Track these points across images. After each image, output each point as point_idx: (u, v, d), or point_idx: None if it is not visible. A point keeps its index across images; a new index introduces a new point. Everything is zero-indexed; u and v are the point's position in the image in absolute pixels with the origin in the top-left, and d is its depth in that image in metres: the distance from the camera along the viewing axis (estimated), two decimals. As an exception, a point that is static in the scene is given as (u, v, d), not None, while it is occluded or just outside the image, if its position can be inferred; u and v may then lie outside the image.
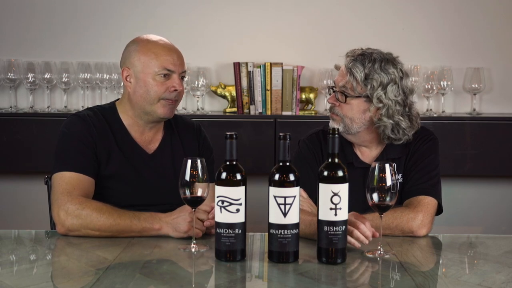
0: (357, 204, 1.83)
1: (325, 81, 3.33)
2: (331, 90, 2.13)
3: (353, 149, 2.15)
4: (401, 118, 2.05)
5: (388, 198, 1.70)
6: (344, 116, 2.07)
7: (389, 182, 1.69)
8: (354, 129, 2.08)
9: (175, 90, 2.05)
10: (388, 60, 2.05)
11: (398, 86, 2.04)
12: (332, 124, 2.10)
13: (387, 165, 1.70)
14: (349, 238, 1.72)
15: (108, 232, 1.87)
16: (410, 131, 2.08)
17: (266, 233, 1.67)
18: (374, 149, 2.15)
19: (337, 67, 2.16)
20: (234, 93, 3.35)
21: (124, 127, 2.11)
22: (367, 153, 2.15)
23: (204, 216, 1.86)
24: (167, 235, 1.87)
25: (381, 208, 1.72)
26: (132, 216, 1.88)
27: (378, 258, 1.71)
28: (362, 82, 2.03)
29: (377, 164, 1.70)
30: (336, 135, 1.66)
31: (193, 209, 1.76)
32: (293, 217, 1.62)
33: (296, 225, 1.63)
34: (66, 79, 3.31)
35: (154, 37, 2.10)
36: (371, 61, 2.03)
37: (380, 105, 2.03)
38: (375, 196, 1.70)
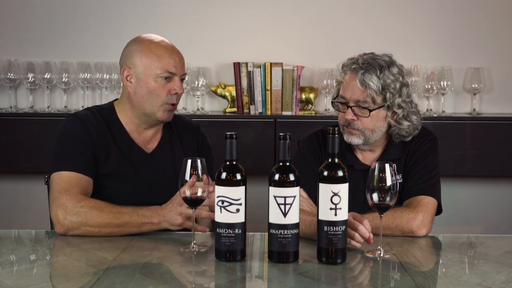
0: (358, 206, 1.83)
1: (325, 81, 3.33)
2: (344, 105, 2.06)
3: (353, 152, 2.15)
4: (414, 117, 2.07)
5: (388, 198, 1.70)
6: (365, 129, 2.05)
7: (389, 182, 1.69)
8: (373, 139, 2.07)
9: (176, 93, 2.06)
10: (391, 63, 2.05)
11: (405, 85, 2.05)
12: (352, 139, 2.06)
13: (387, 165, 1.70)
14: (349, 240, 1.72)
15: (108, 228, 1.87)
16: (419, 125, 2.11)
17: (266, 233, 1.67)
18: (375, 151, 2.15)
19: (338, 81, 2.11)
20: (234, 93, 3.35)
21: (122, 126, 2.11)
22: (368, 155, 2.15)
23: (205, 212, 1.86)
24: (167, 229, 1.88)
25: (381, 208, 1.72)
26: (131, 211, 1.88)
27: (378, 258, 1.71)
28: (380, 93, 2.02)
29: (377, 164, 1.70)
30: (336, 135, 1.66)
31: (193, 209, 1.76)
32: (293, 217, 1.62)
33: (296, 225, 1.63)
34: (66, 79, 3.31)
35: (156, 37, 2.09)
36: (381, 70, 2.02)
37: (400, 110, 2.04)
38: (375, 196, 1.70)
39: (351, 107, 2.04)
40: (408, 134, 2.09)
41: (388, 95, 2.02)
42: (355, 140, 2.06)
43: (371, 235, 1.75)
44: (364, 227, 1.73)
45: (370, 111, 2.02)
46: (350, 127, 2.06)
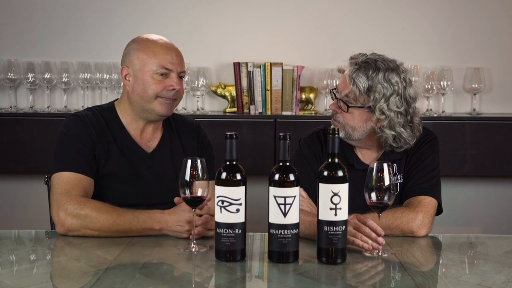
0: (359, 205, 1.83)
1: (325, 81, 3.33)
2: (333, 94, 2.11)
3: (354, 151, 2.15)
4: (402, 129, 2.04)
5: (386, 198, 1.71)
6: (346, 124, 2.06)
7: (387, 182, 1.70)
8: (356, 137, 2.07)
9: (173, 89, 2.05)
10: (392, 69, 2.03)
11: (401, 96, 2.03)
12: None
13: (385, 165, 1.71)
14: (357, 241, 1.73)
15: (107, 232, 1.87)
16: (412, 140, 2.08)
17: (266, 233, 1.67)
18: (375, 151, 2.15)
19: (340, 71, 2.13)
20: (234, 93, 3.35)
21: (123, 126, 2.12)
22: (368, 155, 2.15)
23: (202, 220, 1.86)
24: (167, 234, 1.88)
25: (379, 207, 1.73)
26: (132, 217, 1.87)
27: (376, 257, 1.71)
28: (365, 93, 2.01)
29: (375, 164, 1.71)
30: (336, 135, 1.66)
31: (193, 209, 1.76)
32: (293, 217, 1.62)
33: (296, 225, 1.63)
34: (66, 79, 3.31)
35: (154, 36, 2.10)
36: (375, 71, 2.01)
37: (383, 116, 2.02)
38: (373, 196, 1.71)
39: (338, 98, 2.07)
40: (398, 146, 2.07)
41: (371, 97, 2.02)
42: None
43: (382, 232, 1.74)
44: (372, 226, 1.74)
45: (349, 107, 2.04)
46: (333, 118, 2.10)
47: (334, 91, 2.12)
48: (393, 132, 2.04)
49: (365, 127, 2.06)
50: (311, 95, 3.37)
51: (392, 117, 2.02)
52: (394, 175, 2.10)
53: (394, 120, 2.02)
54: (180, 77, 2.09)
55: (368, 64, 2.02)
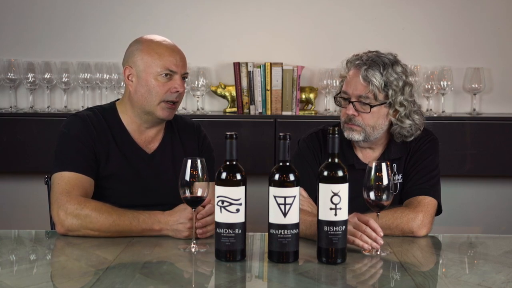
0: (359, 205, 1.83)
1: (325, 81, 3.33)
2: (346, 101, 2.06)
3: (353, 151, 2.15)
4: (416, 116, 2.08)
5: (384, 197, 1.71)
6: (366, 125, 2.05)
7: (385, 181, 1.71)
8: (374, 136, 2.07)
9: (177, 91, 2.05)
10: (395, 61, 2.06)
11: (408, 84, 2.06)
12: (352, 135, 2.05)
13: (383, 164, 1.71)
14: (357, 241, 1.73)
15: (107, 232, 1.87)
16: (421, 125, 2.11)
17: (266, 233, 1.67)
18: (376, 150, 2.15)
19: (342, 76, 2.13)
20: (234, 93, 3.35)
21: (123, 127, 2.11)
22: (369, 154, 2.15)
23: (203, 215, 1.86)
24: (167, 235, 1.88)
25: (378, 206, 1.73)
26: (132, 217, 1.87)
27: (375, 255, 1.71)
28: (382, 89, 2.02)
29: (374, 163, 1.71)
30: (336, 135, 1.66)
31: (193, 209, 1.76)
32: (293, 217, 1.62)
33: (296, 225, 1.63)
34: (66, 79, 3.31)
35: (157, 37, 2.09)
36: (384, 67, 2.02)
37: (401, 108, 2.04)
38: (372, 195, 1.71)
39: (352, 102, 2.05)
40: (410, 134, 2.09)
41: (390, 92, 2.03)
42: (356, 136, 2.06)
43: (381, 233, 1.74)
44: (372, 226, 1.74)
45: (371, 107, 2.03)
46: (351, 123, 2.06)
47: (339, 96, 2.10)
48: (410, 121, 2.06)
49: (384, 123, 2.06)
50: (311, 95, 3.37)
51: (408, 106, 2.05)
52: (394, 175, 2.10)
53: (410, 109, 2.06)
54: (183, 78, 2.09)
55: (375, 62, 2.03)
